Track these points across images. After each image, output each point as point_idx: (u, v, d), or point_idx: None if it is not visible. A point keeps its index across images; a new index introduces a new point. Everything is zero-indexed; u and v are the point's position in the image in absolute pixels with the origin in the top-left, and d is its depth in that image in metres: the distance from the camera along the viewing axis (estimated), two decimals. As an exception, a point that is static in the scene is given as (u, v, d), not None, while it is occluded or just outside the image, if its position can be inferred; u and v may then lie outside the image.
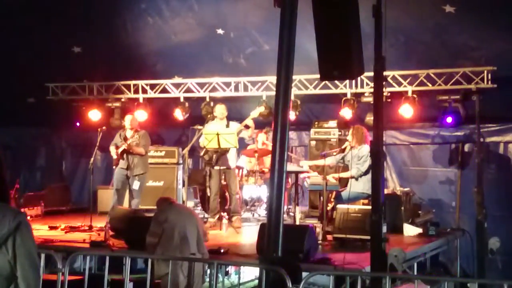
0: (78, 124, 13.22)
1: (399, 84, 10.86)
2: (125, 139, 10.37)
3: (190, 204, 11.60)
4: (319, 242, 8.28)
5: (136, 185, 10.29)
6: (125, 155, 10.28)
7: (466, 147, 11.34)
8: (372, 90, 7.57)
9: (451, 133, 11.45)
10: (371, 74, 6.59)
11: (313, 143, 11.82)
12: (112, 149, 10.40)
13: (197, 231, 7.19)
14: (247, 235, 9.53)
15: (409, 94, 10.75)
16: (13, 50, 11.79)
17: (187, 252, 6.93)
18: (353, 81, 10.81)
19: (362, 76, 10.16)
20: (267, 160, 11.20)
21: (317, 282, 6.97)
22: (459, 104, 10.51)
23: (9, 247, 3.06)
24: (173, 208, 7.37)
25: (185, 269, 6.64)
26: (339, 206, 8.83)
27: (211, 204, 10.33)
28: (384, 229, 6.23)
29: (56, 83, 12.97)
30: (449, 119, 10.58)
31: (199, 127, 10.83)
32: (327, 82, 10.92)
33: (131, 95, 12.72)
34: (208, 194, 10.51)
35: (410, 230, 9.49)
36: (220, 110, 10.60)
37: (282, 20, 5.85)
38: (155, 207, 11.15)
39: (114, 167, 10.52)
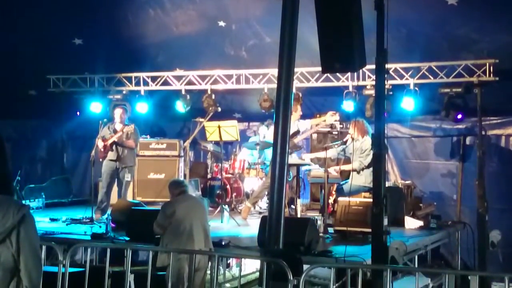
0: (78, 113, 13.14)
1: (401, 76, 10.84)
2: (115, 131, 10.40)
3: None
4: (320, 234, 8.28)
5: (128, 176, 10.43)
6: (114, 147, 10.33)
7: (468, 140, 11.36)
8: (374, 82, 7.55)
9: (452, 126, 11.46)
10: (373, 67, 6.57)
11: (314, 135, 11.82)
12: (100, 142, 10.40)
13: (205, 227, 7.12)
14: (248, 228, 9.52)
15: (411, 86, 10.73)
16: (14, 42, 11.75)
17: (192, 248, 6.85)
18: (355, 74, 10.77)
19: (364, 69, 10.12)
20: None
21: (318, 275, 6.98)
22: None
23: (13, 240, 3.06)
24: (182, 200, 7.18)
25: (190, 263, 6.59)
26: (340, 198, 8.83)
27: None
28: (385, 221, 6.23)
29: (57, 75, 12.93)
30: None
31: (201, 119, 10.80)
32: (329, 74, 10.90)
33: (133, 87, 12.69)
34: None
35: (411, 223, 9.49)
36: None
37: (283, 12, 5.83)
38: (156, 199, 11.33)
39: (100, 159, 10.53)
